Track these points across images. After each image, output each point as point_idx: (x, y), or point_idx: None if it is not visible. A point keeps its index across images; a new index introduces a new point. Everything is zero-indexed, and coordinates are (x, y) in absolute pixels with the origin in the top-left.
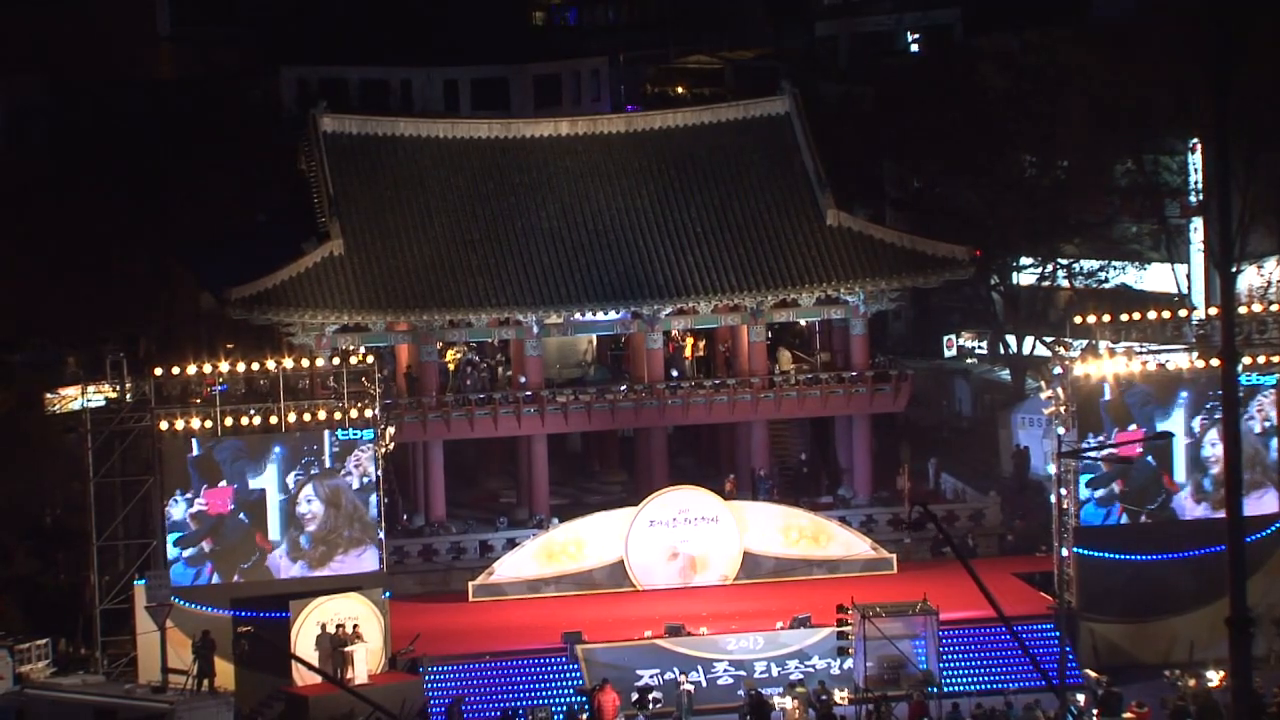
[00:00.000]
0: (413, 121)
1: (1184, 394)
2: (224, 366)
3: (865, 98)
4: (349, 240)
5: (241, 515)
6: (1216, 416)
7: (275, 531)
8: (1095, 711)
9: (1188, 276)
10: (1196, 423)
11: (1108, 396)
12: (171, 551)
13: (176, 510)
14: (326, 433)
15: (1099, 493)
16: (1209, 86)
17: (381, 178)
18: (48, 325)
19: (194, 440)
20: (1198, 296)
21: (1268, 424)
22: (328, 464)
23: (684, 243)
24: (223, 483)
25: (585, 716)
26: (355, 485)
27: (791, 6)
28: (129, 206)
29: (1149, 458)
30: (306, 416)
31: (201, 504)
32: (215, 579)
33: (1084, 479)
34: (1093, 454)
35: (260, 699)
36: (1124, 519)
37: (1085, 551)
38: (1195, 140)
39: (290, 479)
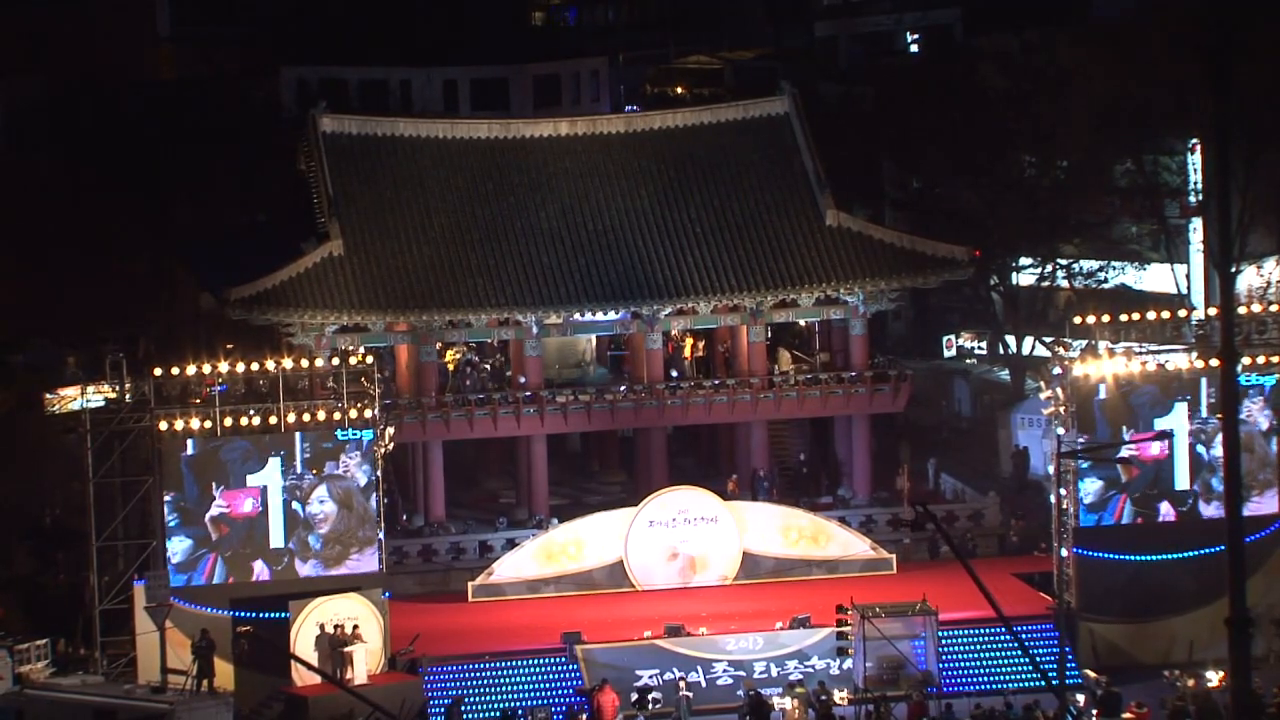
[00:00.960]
0: (412, 122)
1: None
2: (224, 367)
3: (865, 98)
4: (348, 240)
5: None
6: (1208, 420)
7: (278, 534)
8: (1095, 712)
9: (1187, 276)
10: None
11: (1102, 396)
12: (177, 554)
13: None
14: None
15: (1089, 499)
16: (1209, 86)
17: (381, 178)
18: (48, 325)
19: (190, 441)
20: (1197, 297)
21: (1255, 427)
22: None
23: (684, 243)
24: (219, 486)
25: (585, 717)
26: (364, 481)
27: (791, 6)
28: (129, 206)
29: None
30: (306, 417)
31: (222, 506)
32: (217, 579)
33: (1095, 483)
34: (1090, 455)
35: (260, 699)
36: (1124, 519)
37: (1085, 552)
38: (1195, 140)
39: (281, 482)
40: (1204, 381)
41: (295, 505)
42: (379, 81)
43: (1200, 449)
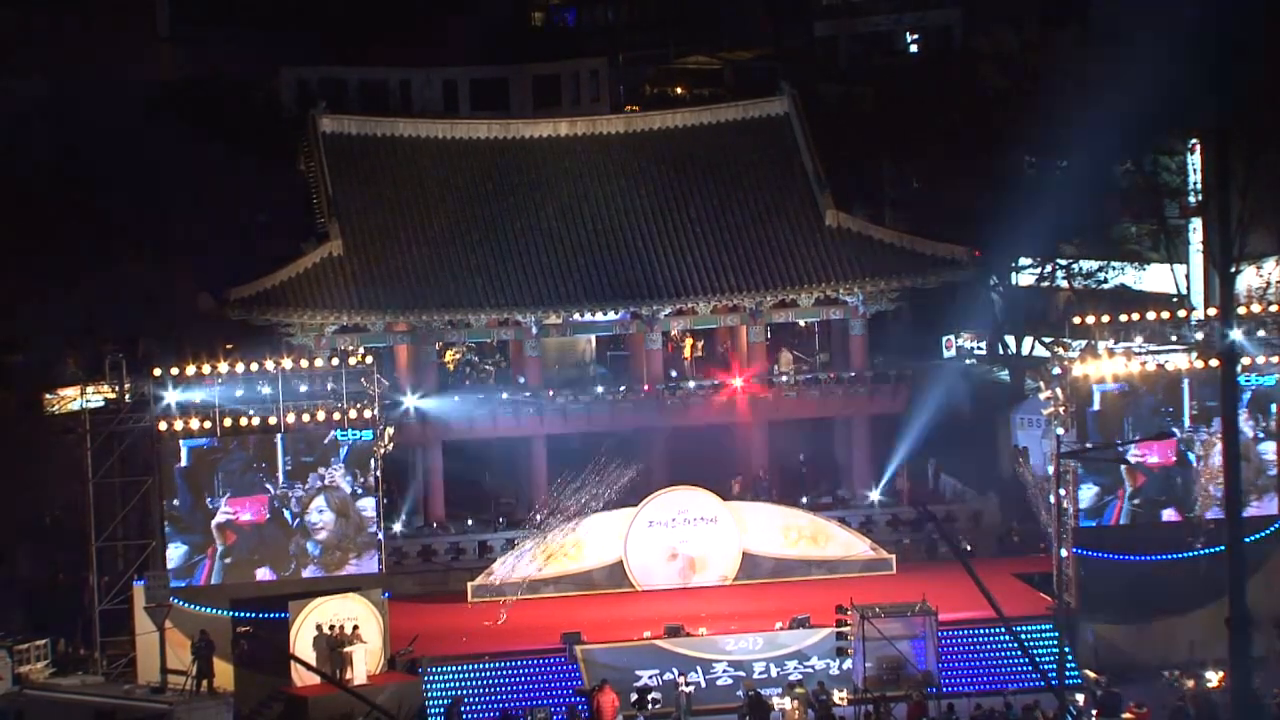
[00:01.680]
0: (412, 122)
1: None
2: (224, 367)
3: (865, 98)
4: (348, 241)
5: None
6: (1197, 429)
7: (283, 542)
8: (1094, 712)
9: (1187, 277)
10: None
11: (1096, 408)
12: (173, 559)
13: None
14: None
15: (1084, 504)
16: (1209, 86)
17: (380, 178)
18: (48, 325)
19: (185, 452)
20: (1197, 297)
21: (1242, 436)
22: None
23: (683, 243)
24: (214, 495)
25: (585, 717)
26: (348, 491)
27: (791, 6)
28: (129, 207)
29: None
30: (306, 417)
31: (229, 514)
32: (214, 583)
33: (1091, 489)
34: (1088, 456)
35: (259, 699)
36: (1122, 521)
37: (1085, 552)
38: (1195, 140)
39: (274, 492)
40: (1186, 393)
41: (287, 514)
42: (379, 81)
43: (1191, 457)
